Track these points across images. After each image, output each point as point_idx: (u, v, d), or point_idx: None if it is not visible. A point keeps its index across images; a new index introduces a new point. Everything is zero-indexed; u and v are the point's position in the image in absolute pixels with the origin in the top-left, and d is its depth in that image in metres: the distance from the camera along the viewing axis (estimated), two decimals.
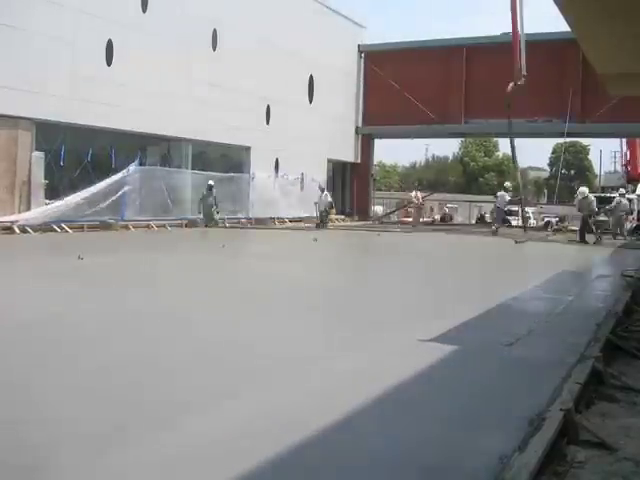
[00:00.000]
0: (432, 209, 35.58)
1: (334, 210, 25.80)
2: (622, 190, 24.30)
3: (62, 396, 3.65)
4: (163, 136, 20.47)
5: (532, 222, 30.32)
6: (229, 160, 23.98)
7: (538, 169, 76.33)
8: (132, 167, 18.29)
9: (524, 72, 23.58)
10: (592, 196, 21.66)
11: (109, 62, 18.03)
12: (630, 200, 29.60)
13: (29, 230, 15.24)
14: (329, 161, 28.36)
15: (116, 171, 18.14)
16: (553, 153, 68.95)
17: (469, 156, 67.07)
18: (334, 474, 2.80)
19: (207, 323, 5.85)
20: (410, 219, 27.05)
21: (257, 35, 22.56)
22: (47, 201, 16.53)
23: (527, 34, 27.07)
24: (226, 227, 20.55)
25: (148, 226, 18.51)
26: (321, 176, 27.07)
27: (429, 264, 12.82)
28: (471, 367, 4.57)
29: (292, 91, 25.13)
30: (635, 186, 34.18)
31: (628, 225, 25.98)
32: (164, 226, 18.91)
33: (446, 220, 30.25)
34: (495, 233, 22.01)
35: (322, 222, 23.13)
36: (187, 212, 20.37)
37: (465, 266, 12.69)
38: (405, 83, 27.75)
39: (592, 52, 8.49)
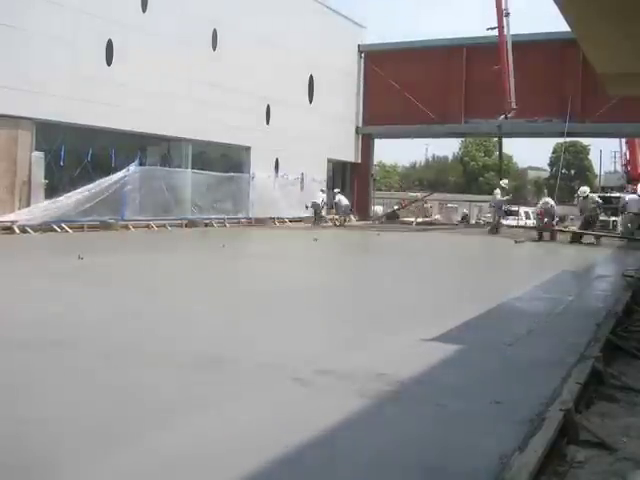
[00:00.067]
0: (431, 207, 35.54)
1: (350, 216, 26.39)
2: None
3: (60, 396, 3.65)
4: (163, 136, 20.47)
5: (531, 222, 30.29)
6: (229, 160, 23.98)
7: (538, 169, 76.34)
8: (132, 167, 18.29)
9: (514, 105, 24.97)
10: (596, 196, 21.70)
11: (109, 62, 18.04)
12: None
13: (29, 230, 15.24)
14: (329, 161, 28.36)
15: (116, 171, 18.14)
16: (553, 153, 68.93)
17: (469, 156, 67.07)
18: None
19: (207, 323, 5.85)
20: (412, 219, 27.06)
21: (257, 35, 22.56)
22: (47, 201, 16.52)
23: (527, 34, 27.24)
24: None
25: (148, 226, 18.51)
26: (321, 176, 27.10)
27: (430, 263, 12.81)
28: (471, 367, 4.57)
29: (292, 91, 25.13)
30: (635, 186, 34.16)
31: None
32: (164, 226, 18.91)
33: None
34: (494, 232, 22.06)
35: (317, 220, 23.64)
36: (187, 212, 20.38)
37: (465, 266, 12.69)
38: (405, 83, 27.75)
39: (592, 52, 8.49)
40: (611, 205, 28.31)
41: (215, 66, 21.16)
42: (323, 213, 25.13)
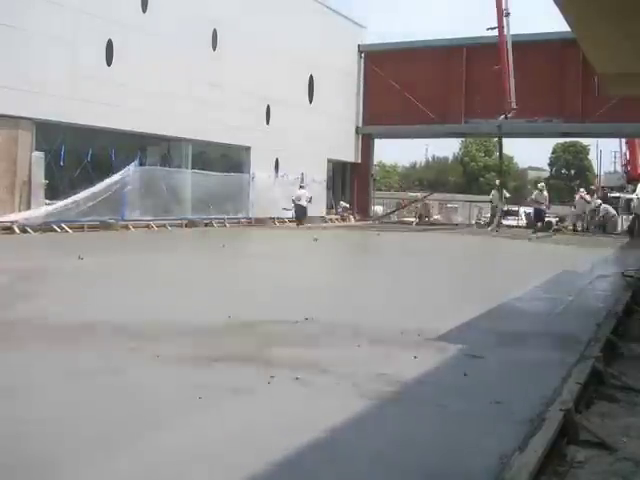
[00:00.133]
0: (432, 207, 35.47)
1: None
2: None
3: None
4: (163, 136, 20.47)
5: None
6: (229, 160, 23.98)
7: (538, 169, 76.35)
8: (132, 167, 18.29)
9: (514, 106, 25.00)
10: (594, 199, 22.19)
11: (109, 62, 18.04)
12: (630, 200, 29.64)
13: (29, 230, 15.25)
14: (329, 161, 28.35)
15: (116, 171, 18.14)
16: (553, 153, 68.98)
17: (469, 156, 67.08)
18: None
19: (207, 323, 5.84)
20: (411, 219, 27.06)
21: (257, 35, 22.56)
22: (47, 201, 16.53)
23: (527, 34, 27.29)
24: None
25: (148, 226, 18.52)
26: (321, 176, 27.11)
27: (430, 263, 12.81)
28: (472, 367, 4.57)
29: (292, 91, 25.13)
30: (635, 186, 34.17)
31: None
32: (164, 226, 18.91)
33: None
34: (495, 230, 22.23)
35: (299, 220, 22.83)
36: (187, 212, 20.37)
37: (466, 266, 12.69)
38: (405, 83, 27.75)
39: (592, 52, 8.48)
40: (610, 205, 28.30)
41: (215, 66, 21.17)
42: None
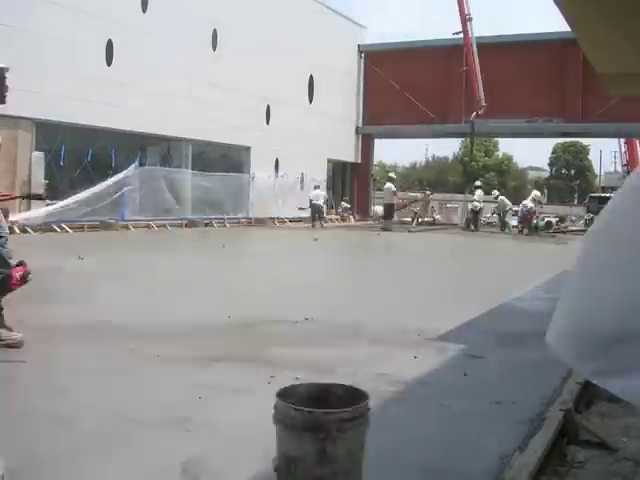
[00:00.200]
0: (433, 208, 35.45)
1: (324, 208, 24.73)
2: None
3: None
4: (163, 136, 20.48)
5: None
6: (229, 160, 23.98)
7: (538, 169, 76.34)
8: (132, 167, 18.28)
9: (483, 103, 26.41)
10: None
11: (109, 62, 18.05)
12: None
13: (29, 230, 15.25)
14: (329, 161, 28.37)
15: (116, 171, 18.15)
16: (553, 153, 68.95)
17: (469, 156, 66.97)
18: None
19: (207, 323, 5.85)
20: (411, 219, 27.03)
21: (257, 35, 22.57)
22: (47, 201, 16.52)
23: (527, 34, 27.40)
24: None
25: (148, 226, 18.51)
26: (321, 176, 27.11)
27: (429, 263, 12.81)
28: (472, 367, 4.57)
29: (292, 91, 25.14)
30: None
31: None
32: (164, 226, 18.91)
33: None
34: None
35: (318, 220, 23.01)
36: (187, 212, 20.38)
37: (466, 265, 12.71)
38: (405, 83, 27.76)
39: (592, 52, 8.47)
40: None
41: (215, 66, 21.17)
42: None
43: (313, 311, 6.16)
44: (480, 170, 65.45)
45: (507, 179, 66.96)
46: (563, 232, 25.18)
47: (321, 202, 23.37)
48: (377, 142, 32.07)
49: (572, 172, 67.98)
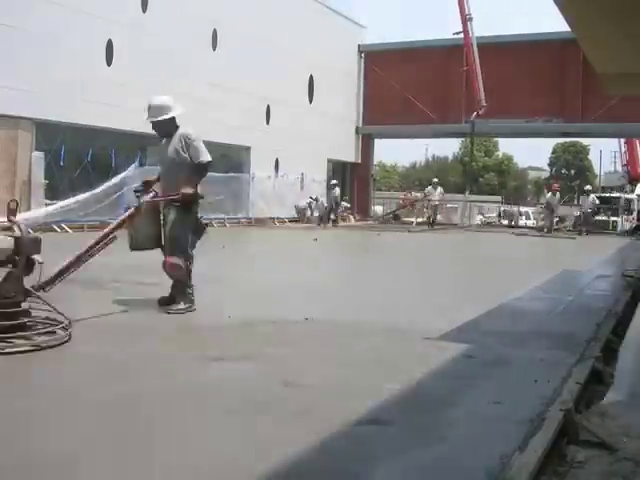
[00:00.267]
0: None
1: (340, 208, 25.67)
2: None
3: None
4: None
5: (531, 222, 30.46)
6: (229, 160, 23.96)
7: (538, 169, 76.41)
8: (132, 167, 18.24)
9: (483, 103, 26.58)
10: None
11: (109, 62, 18.04)
12: (630, 200, 29.69)
13: (29, 230, 15.21)
14: (329, 161, 28.37)
15: (116, 171, 18.12)
16: (553, 153, 69.01)
17: (469, 156, 66.96)
18: None
19: (207, 323, 5.85)
20: (412, 219, 27.03)
21: (257, 35, 22.56)
22: (47, 201, 16.52)
23: (527, 34, 27.45)
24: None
25: None
26: (321, 176, 27.11)
27: (430, 263, 12.82)
28: (472, 367, 4.57)
29: (292, 91, 25.14)
30: (635, 186, 34.25)
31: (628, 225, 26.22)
32: None
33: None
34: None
35: (328, 220, 23.45)
36: None
37: (466, 264, 12.71)
38: (405, 83, 27.78)
39: (592, 52, 8.47)
40: (610, 205, 28.40)
41: (215, 66, 21.17)
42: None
43: (313, 311, 6.16)
44: (480, 170, 65.52)
45: (507, 179, 67.00)
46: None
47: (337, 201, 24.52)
48: (377, 142, 32.08)
49: (572, 172, 68.04)
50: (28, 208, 15.91)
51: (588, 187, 28.98)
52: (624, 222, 27.11)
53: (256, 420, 3.34)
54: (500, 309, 7.08)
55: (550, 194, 25.55)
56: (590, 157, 66.99)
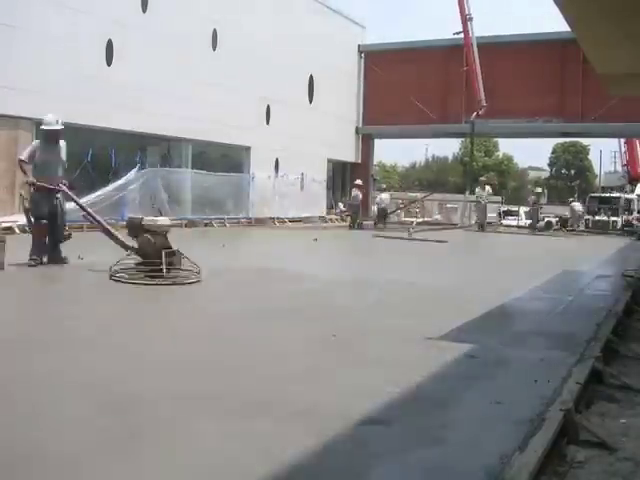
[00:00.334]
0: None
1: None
2: None
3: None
4: (163, 136, 20.48)
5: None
6: (229, 160, 23.98)
7: (538, 169, 76.36)
8: (133, 172, 18.25)
9: (484, 103, 26.67)
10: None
11: (109, 62, 18.04)
12: (630, 200, 29.69)
13: (29, 230, 15.21)
14: (329, 161, 28.37)
15: (117, 172, 18.14)
16: (553, 153, 68.98)
17: (469, 156, 66.95)
18: None
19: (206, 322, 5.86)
20: (413, 219, 27.01)
21: (257, 35, 22.57)
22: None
23: (527, 34, 27.45)
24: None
25: None
26: (321, 176, 27.12)
27: (431, 262, 12.81)
28: (472, 367, 4.57)
29: (292, 91, 25.14)
30: (635, 186, 34.25)
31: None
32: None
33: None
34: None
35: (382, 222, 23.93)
36: (187, 212, 20.36)
37: (465, 264, 12.71)
38: (405, 83, 27.79)
39: (592, 52, 8.48)
40: (610, 205, 28.40)
41: (215, 66, 21.17)
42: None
43: (314, 310, 6.16)
44: (480, 170, 65.49)
45: (507, 179, 66.94)
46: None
47: (385, 204, 24.97)
48: (377, 142, 32.08)
49: (572, 172, 68.04)
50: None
51: (538, 189, 29.16)
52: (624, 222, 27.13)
53: (256, 420, 3.34)
54: (501, 309, 7.08)
55: (478, 189, 25.52)
56: (590, 157, 66.99)
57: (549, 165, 71.79)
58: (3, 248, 8.28)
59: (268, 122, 24.26)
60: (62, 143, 9.34)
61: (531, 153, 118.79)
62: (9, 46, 15.27)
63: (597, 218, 27.42)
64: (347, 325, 5.84)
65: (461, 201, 31.02)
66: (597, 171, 59.72)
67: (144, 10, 19.07)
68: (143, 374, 4.09)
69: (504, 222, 29.28)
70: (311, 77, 26.64)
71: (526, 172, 75.02)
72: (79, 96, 16.75)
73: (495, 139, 61.14)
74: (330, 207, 28.07)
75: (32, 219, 9.26)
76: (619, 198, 29.98)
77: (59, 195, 9.26)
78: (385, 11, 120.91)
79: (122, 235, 9.19)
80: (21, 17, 15.58)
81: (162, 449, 2.95)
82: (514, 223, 28.77)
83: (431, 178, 65.51)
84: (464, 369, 4.51)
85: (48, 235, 9.09)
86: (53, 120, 9.21)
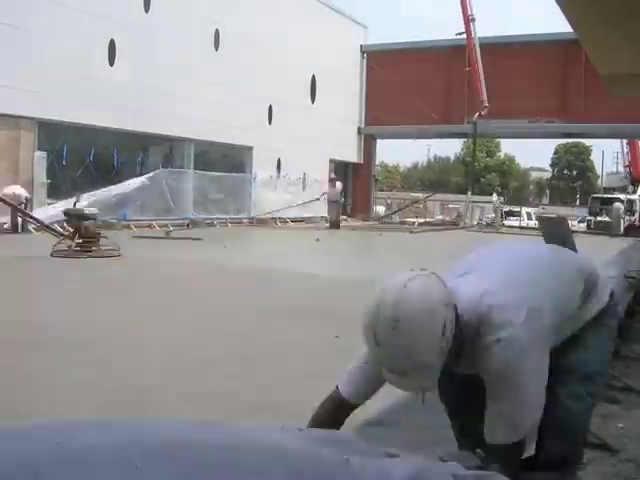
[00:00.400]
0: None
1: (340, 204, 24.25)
2: None
3: None
4: (165, 136, 20.50)
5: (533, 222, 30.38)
6: (231, 160, 24.00)
7: (540, 169, 76.24)
8: (139, 181, 18.31)
9: (486, 104, 26.61)
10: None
11: (111, 62, 18.07)
12: (632, 201, 29.66)
13: (31, 230, 15.26)
14: (331, 161, 28.36)
15: (118, 170, 18.18)
16: (555, 154, 68.87)
17: (471, 156, 66.93)
18: None
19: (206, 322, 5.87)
20: (413, 219, 27.03)
21: (259, 35, 22.58)
22: (49, 201, 16.54)
23: (528, 34, 27.48)
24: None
25: (150, 226, 18.48)
26: (323, 176, 27.10)
27: (432, 262, 12.77)
28: None
29: (294, 91, 25.15)
30: (637, 187, 34.21)
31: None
32: (166, 226, 18.87)
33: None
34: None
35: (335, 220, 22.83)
36: (189, 212, 20.38)
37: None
38: (407, 83, 27.75)
39: (594, 53, 8.46)
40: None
41: (217, 66, 21.19)
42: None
43: (313, 310, 6.16)
44: (482, 171, 65.48)
45: (509, 180, 66.87)
46: None
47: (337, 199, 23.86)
48: (379, 142, 32.06)
49: (574, 173, 67.92)
50: (30, 208, 15.94)
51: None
52: (626, 222, 27.10)
53: (257, 420, 3.34)
54: None
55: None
56: (592, 158, 66.83)
57: (551, 166, 71.66)
58: None
59: (270, 122, 24.27)
60: None
61: (533, 154, 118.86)
62: (12, 46, 15.30)
63: (599, 219, 27.38)
64: (350, 326, 5.83)
65: (462, 201, 31.03)
66: (599, 172, 59.73)
67: (147, 10, 19.10)
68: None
69: (506, 223, 29.26)
70: (313, 77, 26.64)
71: (528, 173, 74.91)
72: (81, 96, 16.78)
73: (497, 139, 61.07)
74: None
75: None
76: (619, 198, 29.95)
77: None
78: (387, 11, 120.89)
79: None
80: (23, 17, 15.61)
81: None
82: (516, 224, 28.77)
83: (433, 178, 65.47)
84: None
85: None
86: None
